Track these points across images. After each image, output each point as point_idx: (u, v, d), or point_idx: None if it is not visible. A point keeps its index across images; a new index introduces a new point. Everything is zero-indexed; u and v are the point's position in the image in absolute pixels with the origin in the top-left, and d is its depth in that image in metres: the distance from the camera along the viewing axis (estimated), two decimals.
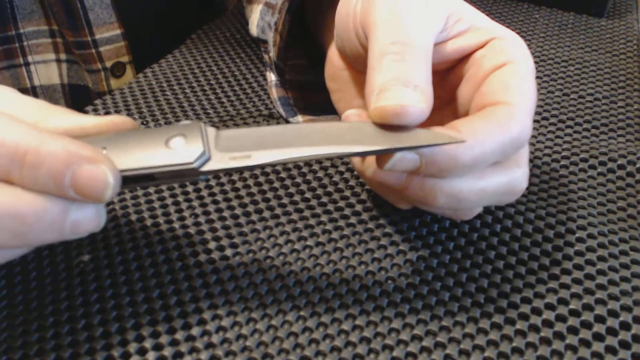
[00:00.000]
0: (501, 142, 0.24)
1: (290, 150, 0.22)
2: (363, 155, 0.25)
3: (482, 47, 0.27)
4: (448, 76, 0.28)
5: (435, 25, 0.26)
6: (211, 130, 0.23)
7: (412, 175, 0.24)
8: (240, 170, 0.23)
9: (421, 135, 0.23)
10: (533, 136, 0.36)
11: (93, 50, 0.44)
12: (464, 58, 0.27)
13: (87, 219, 0.22)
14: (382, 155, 0.24)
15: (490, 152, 0.23)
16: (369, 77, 0.24)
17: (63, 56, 0.45)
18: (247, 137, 0.23)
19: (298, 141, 0.23)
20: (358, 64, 0.31)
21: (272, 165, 0.23)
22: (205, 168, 0.22)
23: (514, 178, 0.26)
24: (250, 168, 0.23)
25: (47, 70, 0.45)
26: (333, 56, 0.33)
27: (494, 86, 0.25)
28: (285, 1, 0.34)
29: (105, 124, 0.24)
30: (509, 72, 0.25)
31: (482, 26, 0.27)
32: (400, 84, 0.23)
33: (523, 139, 0.24)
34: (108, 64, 0.45)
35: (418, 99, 0.23)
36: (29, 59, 0.44)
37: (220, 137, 0.23)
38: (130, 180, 0.22)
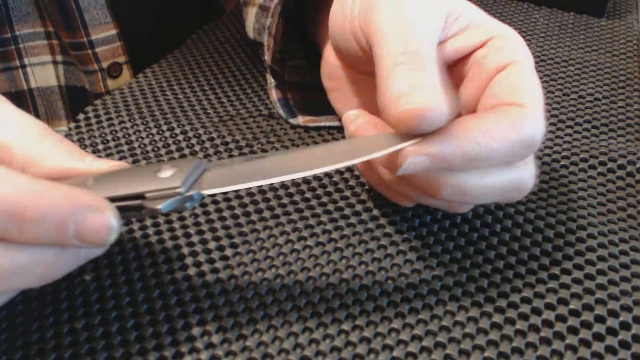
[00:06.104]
0: (511, 141, 0.23)
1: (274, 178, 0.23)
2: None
3: (482, 46, 0.27)
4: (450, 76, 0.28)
5: (438, 26, 0.26)
6: (203, 163, 0.24)
7: None
8: (228, 190, 0.23)
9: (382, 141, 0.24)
10: None
11: (89, 51, 0.44)
12: (464, 57, 0.27)
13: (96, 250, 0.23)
14: (392, 161, 0.24)
15: (499, 151, 0.23)
16: (382, 86, 0.24)
17: (59, 58, 0.45)
18: (237, 170, 0.23)
19: (282, 168, 0.23)
20: (355, 64, 0.31)
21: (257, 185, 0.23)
22: (191, 192, 0.22)
23: (520, 176, 0.25)
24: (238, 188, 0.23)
25: (44, 72, 0.45)
26: (329, 55, 0.33)
27: (502, 88, 0.25)
28: (277, 4, 0.34)
29: (98, 169, 0.24)
30: (516, 73, 0.25)
31: (480, 23, 0.27)
32: (417, 90, 0.23)
33: (536, 140, 0.24)
34: (104, 65, 0.45)
35: (438, 102, 0.23)
36: (25, 61, 0.44)
37: (210, 169, 0.24)
38: (119, 210, 0.22)
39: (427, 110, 0.22)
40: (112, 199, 0.22)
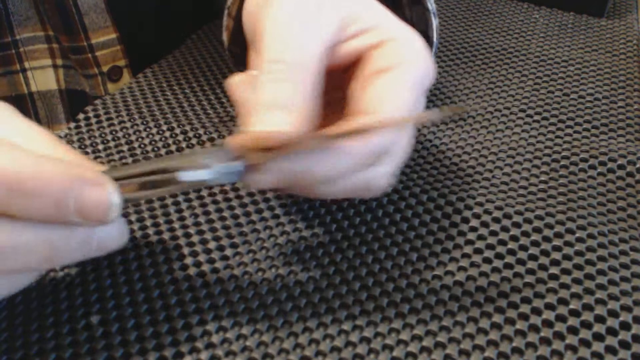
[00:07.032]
0: (352, 155, 0.24)
1: None
2: None
3: (375, 47, 0.26)
4: (346, 77, 0.28)
5: (327, 30, 0.25)
6: None
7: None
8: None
9: None
10: (533, 136, 0.36)
11: (89, 55, 0.44)
12: (360, 59, 0.27)
13: (112, 237, 0.23)
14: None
15: (343, 166, 0.23)
16: (249, 97, 0.24)
17: (59, 62, 0.45)
18: None
19: None
20: None
21: None
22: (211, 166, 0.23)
23: (370, 178, 0.25)
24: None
25: (44, 76, 0.45)
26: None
27: (367, 95, 0.25)
28: None
29: None
30: (388, 79, 0.25)
31: (379, 25, 0.26)
32: (272, 107, 0.23)
33: (384, 149, 0.24)
34: (104, 69, 0.45)
35: (287, 122, 0.23)
36: (26, 65, 0.44)
37: None
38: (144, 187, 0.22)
39: (272, 134, 0.22)
40: (136, 175, 0.22)
